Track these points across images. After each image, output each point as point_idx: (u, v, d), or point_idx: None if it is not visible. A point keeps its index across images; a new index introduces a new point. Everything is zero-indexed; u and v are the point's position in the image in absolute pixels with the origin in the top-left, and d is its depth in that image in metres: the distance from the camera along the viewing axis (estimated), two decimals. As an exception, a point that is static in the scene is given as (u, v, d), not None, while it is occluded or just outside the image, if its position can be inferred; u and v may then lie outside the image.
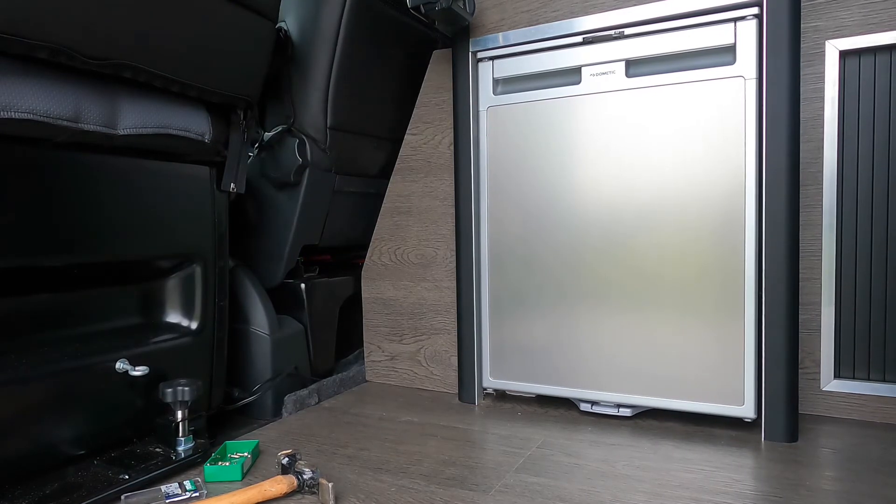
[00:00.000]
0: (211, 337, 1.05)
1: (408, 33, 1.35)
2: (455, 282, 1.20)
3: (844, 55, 0.99)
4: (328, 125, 1.23)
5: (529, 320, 1.10)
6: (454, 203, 1.18)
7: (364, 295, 1.33)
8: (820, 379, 1.02)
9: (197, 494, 0.77)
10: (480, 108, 1.13)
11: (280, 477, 0.78)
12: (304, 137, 1.20)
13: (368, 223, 1.43)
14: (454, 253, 1.21)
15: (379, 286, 1.31)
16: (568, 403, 1.12)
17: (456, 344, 1.22)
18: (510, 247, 1.12)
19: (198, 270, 1.02)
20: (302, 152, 1.19)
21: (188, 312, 1.03)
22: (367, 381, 1.34)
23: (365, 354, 1.35)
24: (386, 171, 1.42)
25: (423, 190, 1.25)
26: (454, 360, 1.23)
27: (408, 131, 1.27)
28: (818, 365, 1.02)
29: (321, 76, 1.19)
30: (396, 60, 1.35)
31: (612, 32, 1.01)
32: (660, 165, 0.98)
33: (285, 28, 1.20)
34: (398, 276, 1.29)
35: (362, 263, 1.36)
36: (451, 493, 0.77)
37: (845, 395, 1.01)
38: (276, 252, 1.26)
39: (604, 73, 1.02)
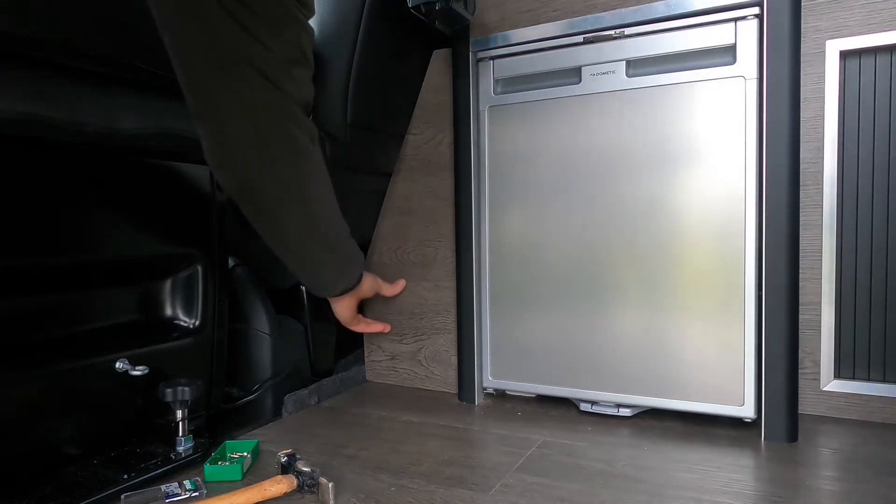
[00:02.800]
0: (211, 337, 1.05)
1: (430, 29, 1.32)
2: (455, 281, 1.20)
3: (845, 55, 0.99)
4: (348, 122, 1.21)
5: (530, 320, 1.10)
6: (454, 203, 1.18)
7: None
8: (820, 379, 1.02)
9: (197, 494, 0.77)
10: (481, 108, 1.13)
11: (280, 476, 0.78)
12: (324, 135, 1.19)
13: None
14: (454, 253, 1.21)
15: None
16: (568, 403, 1.12)
17: (456, 343, 1.22)
18: (510, 246, 1.12)
19: (198, 270, 1.02)
20: (322, 150, 1.17)
21: (188, 312, 1.03)
22: (367, 381, 1.33)
23: (365, 354, 1.33)
24: None
25: (424, 190, 1.25)
26: (454, 359, 1.23)
27: (408, 131, 1.26)
28: (818, 365, 1.02)
29: (341, 73, 1.17)
30: (418, 57, 1.32)
31: (612, 32, 1.01)
32: (660, 165, 0.98)
33: None
34: (398, 275, 1.27)
35: None
36: (450, 492, 0.77)
37: (845, 395, 1.01)
38: None
39: (604, 73, 1.02)
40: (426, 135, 1.24)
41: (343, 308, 1.10)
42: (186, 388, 0.88)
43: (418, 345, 1.27)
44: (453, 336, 1.23)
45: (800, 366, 0.98)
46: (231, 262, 1.21)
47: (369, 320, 1.20)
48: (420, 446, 0.93)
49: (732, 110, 0.93)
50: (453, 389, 1.22)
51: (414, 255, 1.26)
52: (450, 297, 1.23)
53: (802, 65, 0.94)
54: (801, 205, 0.93)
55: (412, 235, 1.26)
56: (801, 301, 0.95)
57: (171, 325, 1.01)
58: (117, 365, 0.88)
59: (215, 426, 1.07)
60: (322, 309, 1.35)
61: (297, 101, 0.80)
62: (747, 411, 0.94)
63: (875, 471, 0.81)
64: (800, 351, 0.98)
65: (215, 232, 1.05)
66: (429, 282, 1.25)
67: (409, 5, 1.01)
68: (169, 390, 0.87)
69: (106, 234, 0.88)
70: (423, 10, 1.01)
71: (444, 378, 1.25)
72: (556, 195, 1.07)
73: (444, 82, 1.22)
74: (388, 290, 1.19)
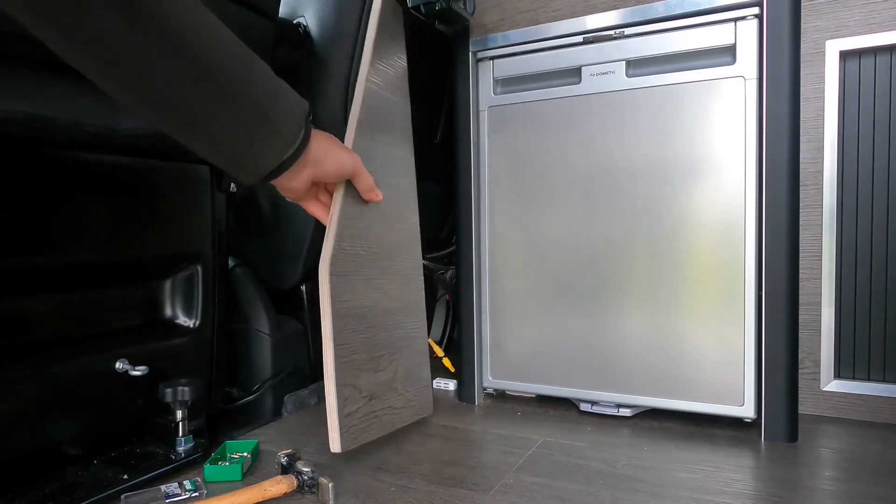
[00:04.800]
0: (211, 337, 1.05)
1: (430, 28, 1.32)
2: (423, 273, 1.02)
3: (845, 55, 0.99)
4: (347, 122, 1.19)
5: (529, 320, 1.10)
6: (455, 202, 1.18)
7: (333, 305, 0.78)
8: (820, 379, 1.02)
9: (197, 494, 0.77)
10: (481, 108, 1.13)
11: (280, 477, 0.78)
12: None
13: None
14: (416, 239, 0.99)
15: (354, 289, 0.83)
16: (568, 403, 1.12)
17: (427, 353, 1.01)
18: (510, 246, 1.12)
19: (198, 270, 1.02)
20: None
21: (188, 312, 1.03)
22: (339, 451, 0.79)
23: (337, 409, 0.78)
24: None
25: (388, 156, 0.94)
26: (426, 372, 1.00)
27: (368, 77, 0.89)
28: (818, 365, 1.02)
29: (341, 72, 1.17)
30: (418, 56, 1.32)
31: (612, 32, 1.01)
32: (660, 165, 0.98)
33: (304, 23, 1.19)
34: (373, 271, 0.88)
35: None
36: (450, 492, 0.77)
37: (845, 395, 1.01)
38: (295, 250, 1.24)
39: (604, 73, 1.02)
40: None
41: (291, 183, 0.68)
42: (186, 388, 0.88)
43: (394, 366, 0.92)
44: (424, 342, 1.01)
45: (800, 366, 0.98)
46: (231, 262, 1.21)
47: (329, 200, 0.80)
48: (420, 446, 0.93)
49: (732, 110, 0.93)
50: (426, 412, 1.02)
51: (385, 244, 0.92)
52: (419, 292, 1.01)
53: (802, 65, 0.94)
54: (801, 205, 0.93)
55: (382, 216, 0.91)
56: (801, 301, 0.95)
57: (171, 325, 1.01)
58: (117, 365, 0.88)
59: (215, 426, 1.07)
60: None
61: None
62: (747, 411, 0.94)
63: (875, 471, 0.81)
64: (800, 351, 0.98)
65: (215, 232, 1.05)
66: (399, 275, 0.95)
67: (409, 5, 1.01)
68: (169, 390, 0.87)
69: (106, 234, 0.88)
70: (423, 10, 1.01)
71: (419, 401, 0.98)
72: (556, 195, 1.07)
73: None
74: (366, 181, 0.79)
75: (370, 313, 0.87)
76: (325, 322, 0.78)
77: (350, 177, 0.77)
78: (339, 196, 0.79)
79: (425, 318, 1.01)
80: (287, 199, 0.73)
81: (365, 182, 0.79)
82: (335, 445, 0.77)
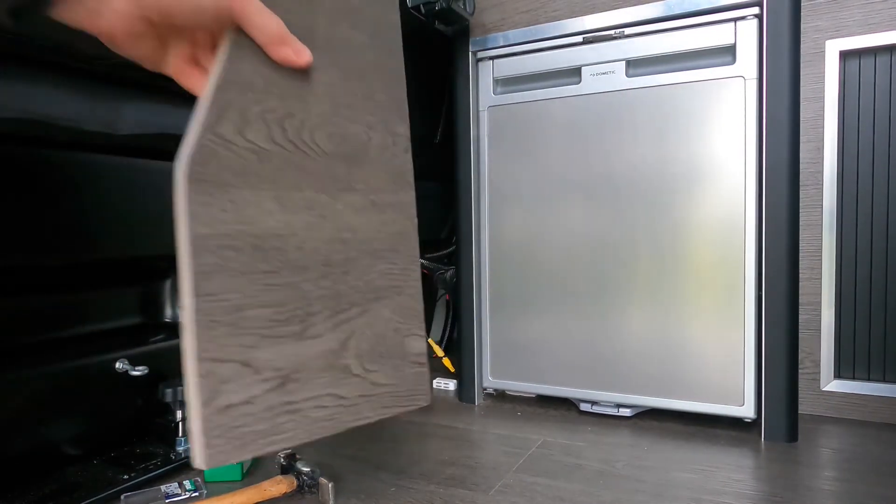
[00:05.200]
0: (211, 337, 1.04)
1: (431, 31, 1.32)
2: (416, 201, 0.64)
3: (844, 55, 0.99)
4: None
5: (529, 320, 1.10)
6: (455, 202, 1.18)
7: (195, 228, 0.42)
8: (820, 379, 1.02)
9: (196, 494, 0.77)
10: (480, 108, 1.13)
11: (280, 477, 0.78)
12: None
13: None
14: (394, 138, 0.60)
15: (247, 202, 0.45)
16: (568, 403, 1.12)
17: (424, 318, 0.63)
18: (510, 246, 1.12)
19: (198, 270, 1.02)
20: None
21: (188, 312, 1.03)
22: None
23: (200, 401, 0.42)
24: None
25: (337, 6, 0.54)
26: (416, 343, 0.60)
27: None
28: (818, 365, 1.02)
29: None
30: (418, 56, 1.31)
31: (612, 32, 1.01)
32: (660, 165, 0.98)
33: None
34: (299, 178, 0.50)
35: None
36: (450, 492, 0.77)
37: (845, 395, 1.01)
38: None
39: (604, 73, 1.02)
40: None
41: (98, 20, 0.39)
42: (186, 389, 0.88)
43: (343, 332, 0.54)
44: (412, 298, 0.61)
45: (800, 366, 0.98)
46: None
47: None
48: (420, 446, 0.93)
49: (732, 110, 0.93)
50: (418, 403, 0.63)
51: (325, 136, 0.54)
52: (399, 222, 0.61)
53: (802, 65, 0.94)
54: (801, 205, 0.93)
55: (323, 96, 0.53)
56: (801, 301, 0.95)
57: (171, 326, 1.01)
58: (117, 365, 0.88)
59: (215, 426, 1.07)
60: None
61: None
62: (747, 411, 0.94)
63: (875, 471, 0.81)
64: (800, 351, 0.98)
65: (215, 232, 1.04)
66: (358, 193, 0.56)
67: (409, 5, 1.01)
68: (169, 390, 0.87)
69: (106, 234, 0.88)
70: (423, 10, 1.01)
71: (399, 387, 0.59)
72: (555, 194, 1.07)
73: None
74: (265, 24, 0.44)
75: (290, 246, 0.51)
76: (182, 256, 0.43)
77: (231, 18, 0.43)
78: (222, 52, 0.45)
79: (418, 263, 0.64)
80: (134, 60, 0.43)
81: (263, 26, 0.44)
82: (198, 458, 0.43)
